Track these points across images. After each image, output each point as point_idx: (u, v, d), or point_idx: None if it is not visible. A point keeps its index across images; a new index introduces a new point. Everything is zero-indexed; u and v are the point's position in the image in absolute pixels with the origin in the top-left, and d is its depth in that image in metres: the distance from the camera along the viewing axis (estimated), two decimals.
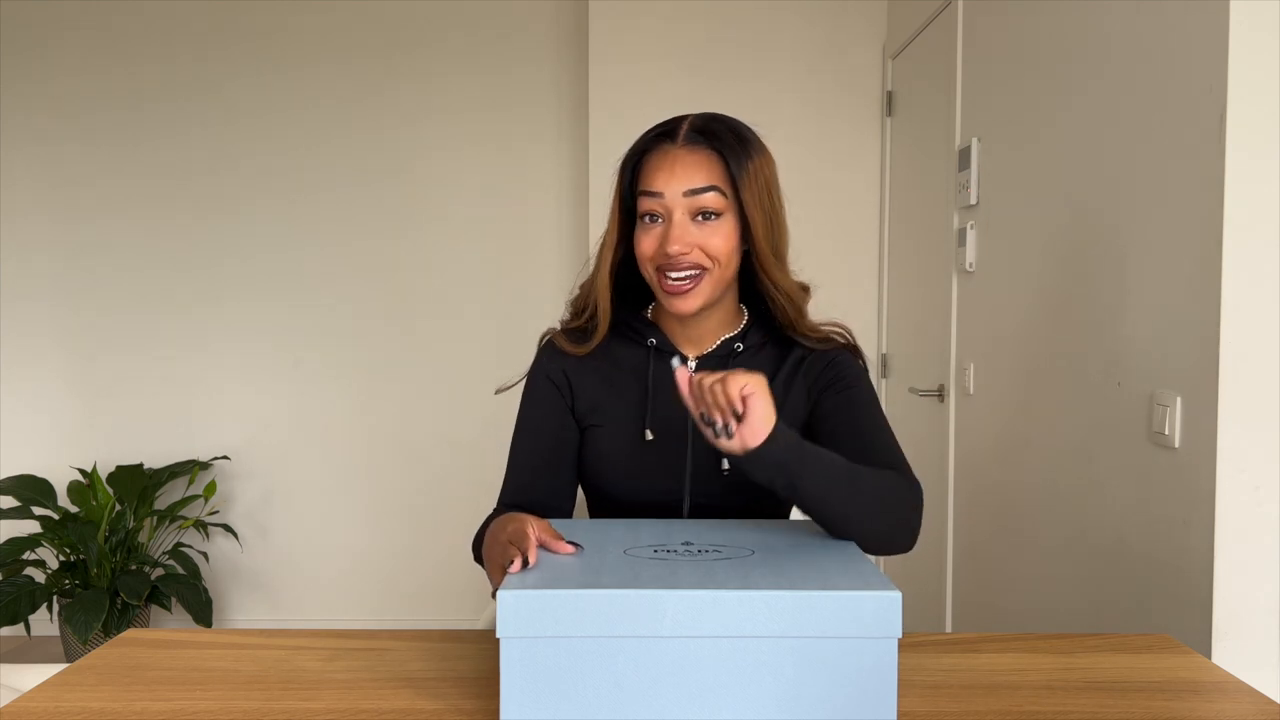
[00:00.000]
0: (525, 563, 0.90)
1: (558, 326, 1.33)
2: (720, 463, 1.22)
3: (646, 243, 1.18)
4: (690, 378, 1.00)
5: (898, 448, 1.20)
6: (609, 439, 1.26)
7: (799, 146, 3.16)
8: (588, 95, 3.16)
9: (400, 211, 3.42)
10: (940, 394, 2.56)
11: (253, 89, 3.39)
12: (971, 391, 2.36)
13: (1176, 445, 1.46)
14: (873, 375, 3.35)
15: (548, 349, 1.31)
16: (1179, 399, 1.45)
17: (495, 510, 1.26)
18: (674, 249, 1.14)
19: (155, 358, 3.44)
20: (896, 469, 1.15)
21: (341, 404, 3.46)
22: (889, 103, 3.12)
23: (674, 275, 1.16)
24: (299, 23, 3.38)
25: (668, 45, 3.14)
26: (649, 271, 1.19)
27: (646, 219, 1.18)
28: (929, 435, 2.60)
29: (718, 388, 0.97)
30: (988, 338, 2.28)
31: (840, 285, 3.19)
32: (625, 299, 1.29)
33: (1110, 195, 1.68)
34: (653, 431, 1.24)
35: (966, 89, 2.42)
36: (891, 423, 1.25)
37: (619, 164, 1.23)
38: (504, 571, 0.90)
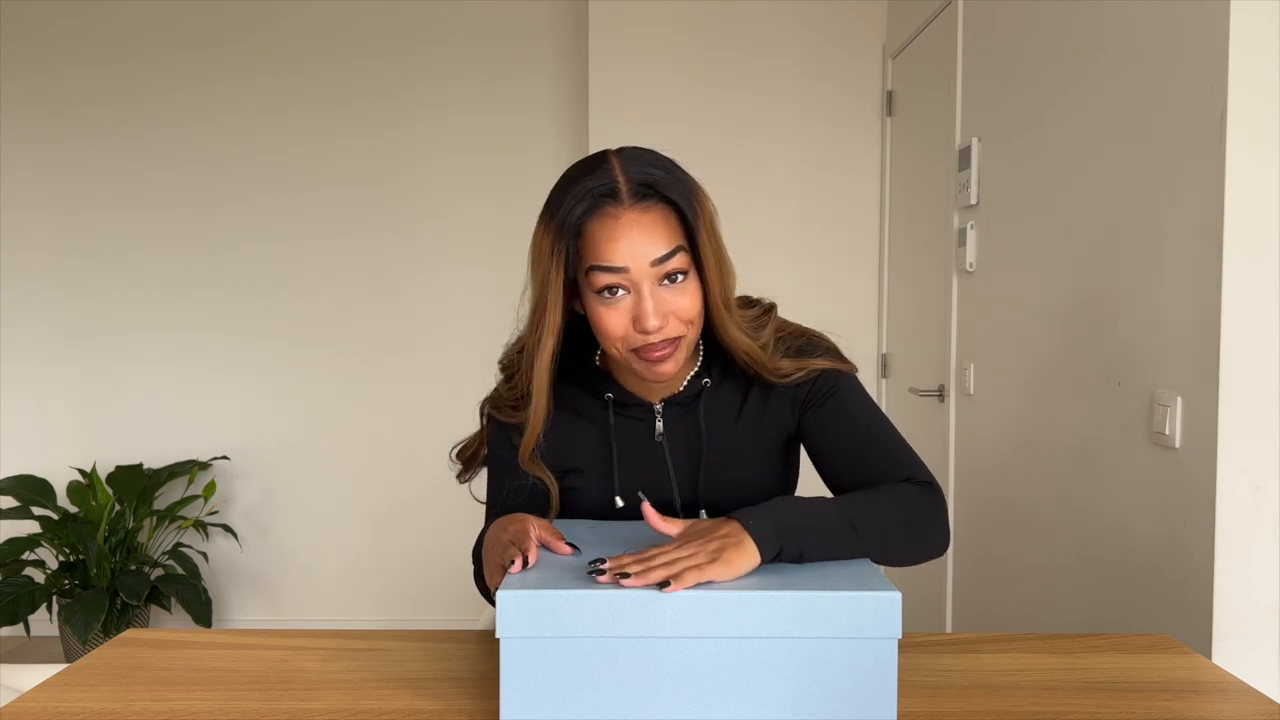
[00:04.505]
0: (525, 563, 0.90)
1: (493, 392, 1.21)
2: (699, 515, 1.15)
3: (614, 321, 1.04)
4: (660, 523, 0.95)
5: (903, 449, 1.12)
6: (582, 499, 1.18)
7: (799, 146, 3.16)
8: (588, 96, 3.16)
9: (401, 212, 3.42)
10: (940, 394, 2.56)
11: (253, 88, 3.39)
12: (971, 391, 2.35)
13: (1177, 445, 1.46)
14: (873, 375, 3.34)
15: (495, 422, 1.20)
16: (1179, 399, 1.45)
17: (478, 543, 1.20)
18: (653, 324, 1.02)
19: (155, 357, 3.44)
20: (906, 477, 1.09)
21: (341, 404, 3.46)
22: (889, 103, 3.12)
23: (654, 353, 1.05)
24: (298, 20, 3.38)
25: (668, 47, 3.14)
26: (617, 349, 1.06)
27: (605, 293, 1.03)
28: (929, 435, 2.60)
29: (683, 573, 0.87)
30: (988, 338, 2.27)
31: (840, 285, 3.21)
32: (568, 342, 1.13)
33: (1110, 195, 1.68)
34: (623, 498, 1.16)
35: (966, 89, 2.42)
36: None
37: (550, 229, 1.04)
38: (504, 572, 0.90)
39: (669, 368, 1.07)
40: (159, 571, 3.20)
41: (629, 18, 3.13)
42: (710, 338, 1.14)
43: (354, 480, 3.48)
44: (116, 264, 3.43)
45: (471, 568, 1.18)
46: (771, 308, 1.19)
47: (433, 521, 3.41)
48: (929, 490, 1.08)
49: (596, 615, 0.82)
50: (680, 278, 1.04)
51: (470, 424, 1.29)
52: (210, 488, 3.30)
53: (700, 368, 1.18)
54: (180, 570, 3.16)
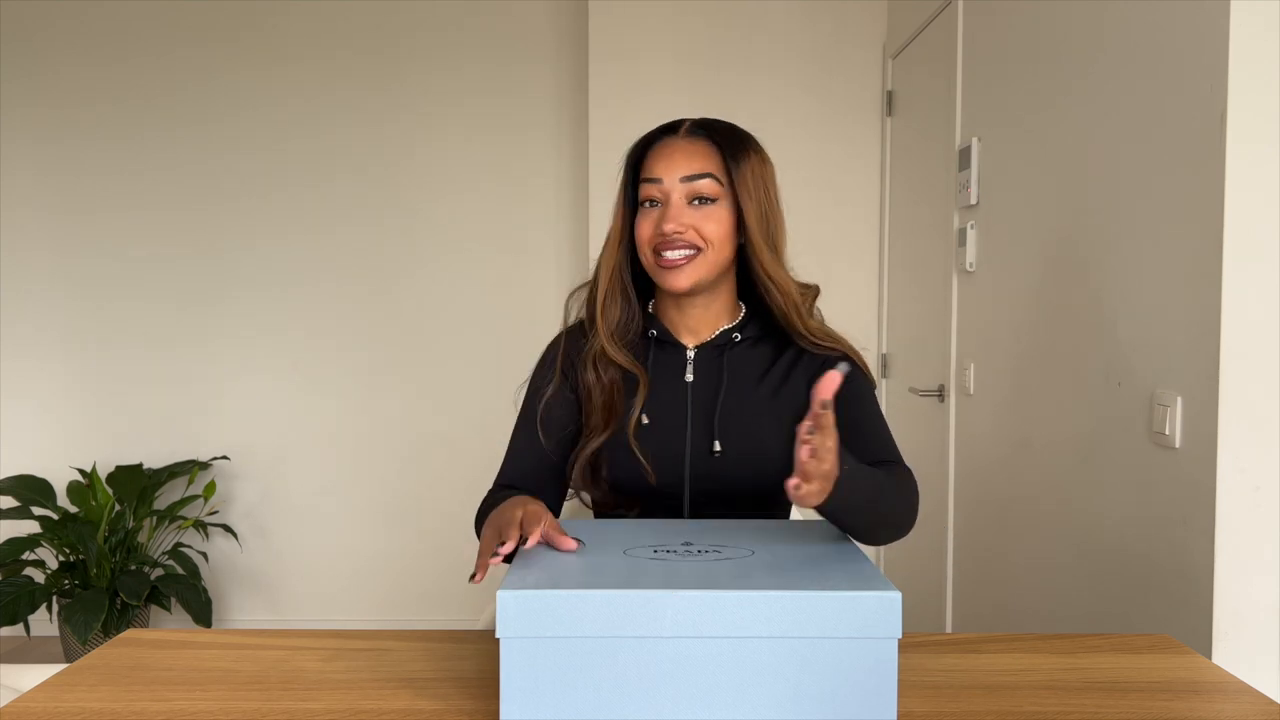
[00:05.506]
0: (521, 544, 0.94)
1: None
2: (712, 445, 1.26)
3: (645, 226, 1.24)
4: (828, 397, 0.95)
5: (894, 444, 1.26)
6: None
7: (799, 146, 3.16)
8: (588, 96, 3.16)
9: (401, 211, 3.42)
10: (940, 394, 2.56)
11: (253, 87, 3.38)
12: (971, 391, 2.35)
13: (1177, 445, 1.46)
14: (873, 375, 3.35)
15: (558, 339, 1.35)
16: (1179, 399, 1.45)
17: (492, 490, 1.30)
18: (669, 227, 1.20)
19: (155, 357, 3.44)
20: (894, 464, 1.22)
21: (341, 403, 3.46)
22: (889, 102, 3.12)
23: (669, 254, 1.21)
24: (298, 19, 3.37)
25: (668, 45, 3.14)
26: (647, 256, 1.24)
27: (647, 205, 1.24)
28: (929, 435, 2.60)
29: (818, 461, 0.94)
30: (988, 338, 2.27)
31: (840, 285, 3.19)
32: (627, 299, 1.32)
33: (1110, 195, 1.68)
34: (648, 416, 1.28)
35: (966, 89, 2.42)
36: (891, 423, 1.28)
37: (624, 159, 1.28)
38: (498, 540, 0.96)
39: (680, 280, 1.22)
40: (159, 571, 3.19)
41: (629, 17, 3.13)
42: (753, 297, 1.31)
43: (354, 480, 3.48)
44: (116, 264, 3.42)
45: (469, 541, 1.24)
46: (816, 288, 1.34)
47: (433, 521, 3.41)
48: (914, 480, 1.20)
49: (596, 615, 0.82)
50: (708, 202, 1.23)
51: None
52: (210, 488, 3.30)
53: (736, 325, 1.31)
54: (180, 570, 3.16)
